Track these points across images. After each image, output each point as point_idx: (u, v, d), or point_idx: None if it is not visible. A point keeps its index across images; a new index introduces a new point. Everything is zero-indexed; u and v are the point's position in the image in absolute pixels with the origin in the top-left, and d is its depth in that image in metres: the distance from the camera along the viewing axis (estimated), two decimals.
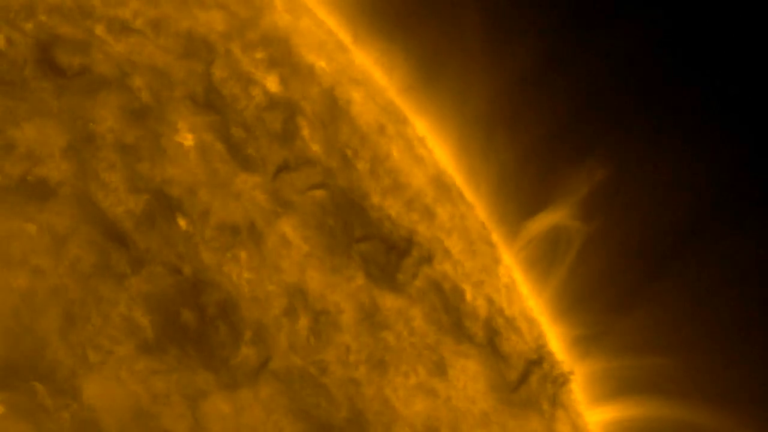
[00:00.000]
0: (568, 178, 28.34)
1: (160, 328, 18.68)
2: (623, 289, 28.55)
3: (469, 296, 24.56)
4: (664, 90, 27.17)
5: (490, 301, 24.99)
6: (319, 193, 22.53)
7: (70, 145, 19.21)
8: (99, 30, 21.20)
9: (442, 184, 27.02)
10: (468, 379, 23.03)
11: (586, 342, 28.10)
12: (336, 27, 27.79)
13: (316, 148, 23.34)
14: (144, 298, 18.63)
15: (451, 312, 23.71)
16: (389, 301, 22.38)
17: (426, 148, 28.29)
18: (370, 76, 27.62)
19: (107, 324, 18.12)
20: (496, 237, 28.43)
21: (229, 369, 19.32)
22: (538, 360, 24.66)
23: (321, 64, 25.76)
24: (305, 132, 23.44)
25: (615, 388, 27.78)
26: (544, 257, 28.79)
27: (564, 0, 28.08)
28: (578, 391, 26.33)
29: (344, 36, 27.88)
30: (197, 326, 19.31)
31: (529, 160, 29.29)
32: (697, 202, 27.34)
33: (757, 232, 26.58)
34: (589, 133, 28.31)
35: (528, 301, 27.56)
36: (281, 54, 24.83)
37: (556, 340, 27.50)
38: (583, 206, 28.27)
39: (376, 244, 22.85)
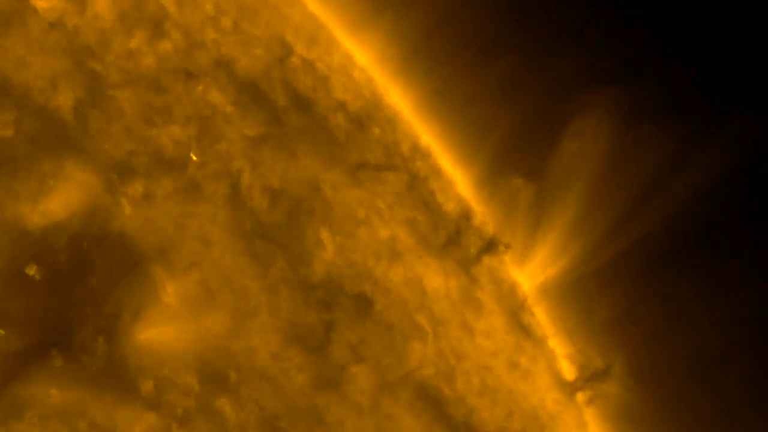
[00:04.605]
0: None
1: (312, 324, 18.23)
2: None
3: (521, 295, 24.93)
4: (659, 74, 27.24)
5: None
6: (404, 190, 22.44)
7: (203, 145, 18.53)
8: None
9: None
10: (537, 376, 23.38)
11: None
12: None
13: (382, 149, 23.15)
14: (295, 295, 18.19)
15: (514, 309, 23.99)
16: (476, 300, 22.48)
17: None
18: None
19: (269, 317, 17.51)
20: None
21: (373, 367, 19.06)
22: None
23: (355, 71, 25.49)
24: (372, 132, 23.20)
25: None
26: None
27: None
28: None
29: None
30: (334, 324, 18.93)
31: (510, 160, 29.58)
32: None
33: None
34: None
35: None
36: (324, 59, 24.41)
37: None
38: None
39: (457, 239, 22.86)
